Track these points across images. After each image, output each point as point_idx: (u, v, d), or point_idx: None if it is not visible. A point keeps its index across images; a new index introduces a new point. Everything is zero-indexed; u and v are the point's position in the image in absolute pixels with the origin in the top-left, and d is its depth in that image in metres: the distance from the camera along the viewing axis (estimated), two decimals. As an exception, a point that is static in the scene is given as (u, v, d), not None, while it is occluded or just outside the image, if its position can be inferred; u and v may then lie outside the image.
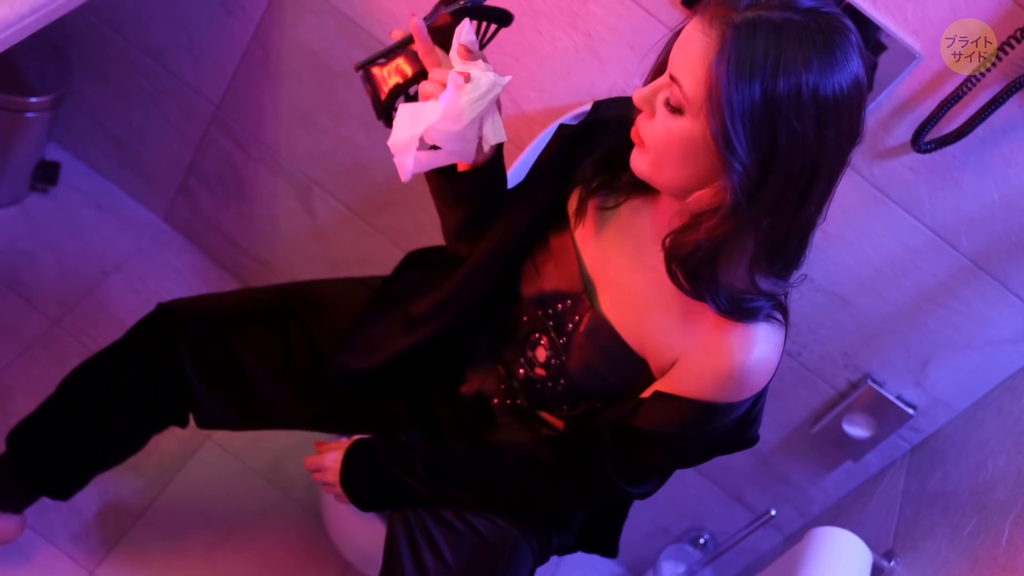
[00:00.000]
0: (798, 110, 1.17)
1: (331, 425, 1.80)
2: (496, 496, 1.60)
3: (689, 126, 1.22)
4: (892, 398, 1.93)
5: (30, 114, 2.21)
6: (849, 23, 1.21)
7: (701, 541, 2.33)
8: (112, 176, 2.51)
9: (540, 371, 1.55)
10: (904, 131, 1.69)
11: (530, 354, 1.56)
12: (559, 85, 1.89)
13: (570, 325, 1.49)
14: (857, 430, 1.99)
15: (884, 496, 1.96)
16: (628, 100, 1.45)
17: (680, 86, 1.21)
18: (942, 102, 1.60)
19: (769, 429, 2.10)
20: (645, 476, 1.52)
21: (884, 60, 1.63)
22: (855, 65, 1.19)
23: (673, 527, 2.36)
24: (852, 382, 1.98)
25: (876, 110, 1.68)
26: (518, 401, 1.62)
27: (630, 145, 1.34)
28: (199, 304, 1.76)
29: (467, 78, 1.32)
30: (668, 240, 1.32)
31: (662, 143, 1.25)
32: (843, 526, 1.71)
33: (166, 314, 1.74)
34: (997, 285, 1.77)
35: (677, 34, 1.26)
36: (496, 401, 1.64)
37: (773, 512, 2.13)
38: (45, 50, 2.24)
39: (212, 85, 2.21)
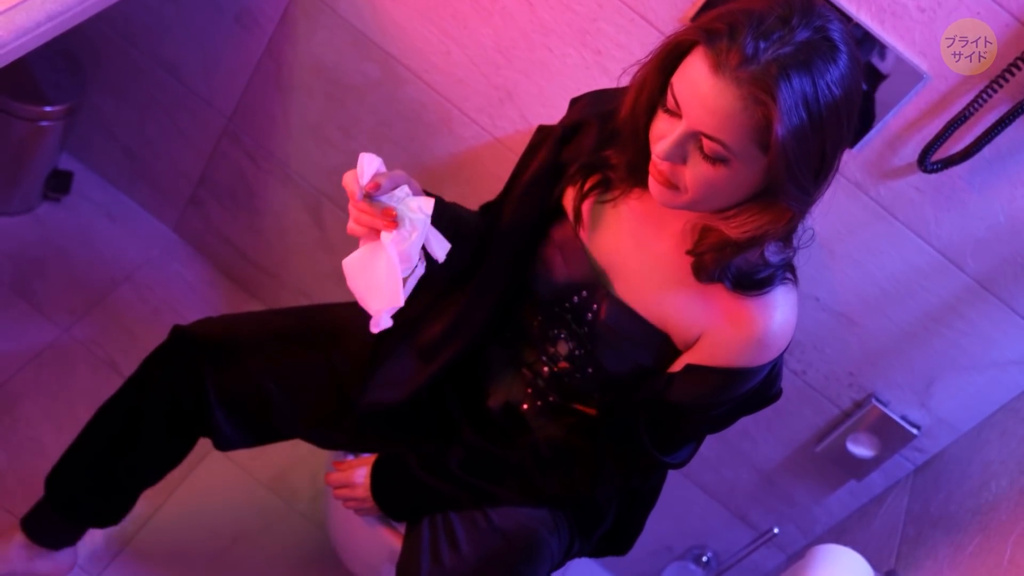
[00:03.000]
0: (836, 118, 1.22)
1: (350, 447, 1.80)
2: (533, 486, 1.61)
3: (738, 168, 1.25)
4: (896, 418, 1.93)
5: (44, 123, 2.22)
6: (830, 13, 1.24)
7: (704, 559, 2.33)
8: (124, 186, 2.52)
9: (564, 364, 1.58)
10: (910, 151, 1.69)
11: (551, 350, 1.58)
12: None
13: (589, 314, 1.51)
14: (861, 449, 1.99)
15: (887, 515, 1.96)
16: (605, 94, 1.48)
17: (718, 141, 1.23)
18: (949, 123, 1.61)
19: (773, 448, 2.10)
20: (681, 445, 1.57)
21: (891, 80, 1.64)
22: (853, 50, 1.23)
23: (676, 545, 2.36)
24: (857, 401, 1.98)
25: (883, 130, 1.69)
26: (550, 398, 1.63)
27: (617, 144, 1.37)
28: (220, 330, 1.73)
29: (393, 226, 1.30)
30: (695, 258, 1.38)
31: (707, 188, 1.28)
32: (846, 545, 1.71)
33: (188, 340, 1.70)
34: (1002, 306, 1.77)
35: (668, 55, 1.27)
36: (526, 406, 1.65)
37: (776, 531, 2.13)
38: (60, 61, 2.26)
39: (224, 98, 2.23)
